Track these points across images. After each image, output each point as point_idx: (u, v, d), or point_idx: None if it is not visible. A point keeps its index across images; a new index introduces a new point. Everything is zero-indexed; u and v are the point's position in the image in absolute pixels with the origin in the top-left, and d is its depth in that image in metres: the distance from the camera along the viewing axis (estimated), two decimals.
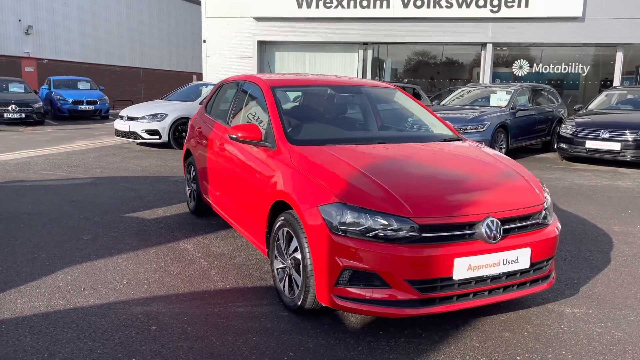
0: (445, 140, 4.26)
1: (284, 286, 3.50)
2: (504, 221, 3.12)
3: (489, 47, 15.59)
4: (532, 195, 3.38)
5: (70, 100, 19.68)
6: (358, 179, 3.18)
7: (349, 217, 2.96)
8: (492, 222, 3.05)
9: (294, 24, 15.94)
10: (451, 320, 3.37)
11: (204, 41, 16.30)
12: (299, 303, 3.28)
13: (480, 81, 15.78)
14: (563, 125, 11.03)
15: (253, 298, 3.67)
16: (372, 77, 16.49)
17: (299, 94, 4.72)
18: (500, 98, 11.70)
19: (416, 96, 13.94)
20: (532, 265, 3.21)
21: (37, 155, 10.31)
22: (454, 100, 12.56)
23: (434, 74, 19.12)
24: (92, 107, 20.05)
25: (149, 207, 6.19)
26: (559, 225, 3.53)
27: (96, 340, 3.01)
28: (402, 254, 2.87)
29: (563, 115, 12.89)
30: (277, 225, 3.50)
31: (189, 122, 6.18)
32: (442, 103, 12.44)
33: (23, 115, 16.78)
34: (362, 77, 16.12)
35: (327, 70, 16.26)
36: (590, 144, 10.18)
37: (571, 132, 10.56)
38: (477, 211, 3.08)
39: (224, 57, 16.07)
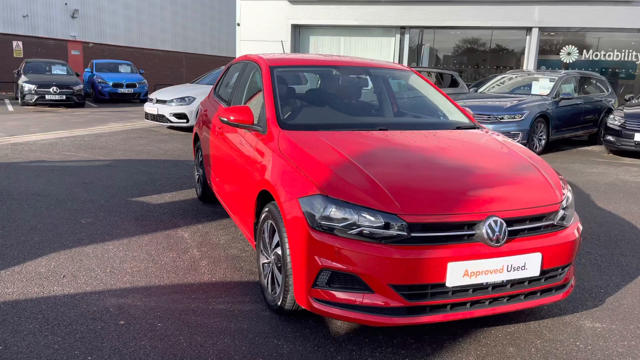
0: (458, 128, 3.85)
1: (267, 283, 3.22)
2: (510, 221, 2.73)
3: (535, 31, 14.71)
4: (548, 193, 2.95)
5: (111, 83, 19.95)
6: (345, 169, 2.84)
7: (330, 212, 2.64)
8: (495, 222, 2.66)
9: (329, 6, 15.49)
10: (449, 329, 3.01)
11: (238, 24, 16.10)
12: (279, 303, 2.99)
13: (524, 68, 14.94)
14: (611, 116, 10.25)
15: (237, 294, 3.41)
16: (409, 63, 15.92)
17: (308, 75, 4.38)
18: (542, 86, 10.97)
19: (453, 83, 13.34)
20: (543, 272, 2.80)
21: (66, 136, 10.38)
22: (493, 87, 11.90)
23: (480, 61, 18.29)
24: (131, 90, 20.28)
25: (158, 192, 6.03)
26: (581, 227, 3.09)
27: (57, 334, 2.82)
28: (386, 255, 2.52)
29: (613, 106, 12.01)
30: (262, 217, 3.21)
31: (199, 105, 5.96)
32: (480, 90, 11.81)
33: (64, 97, 17.09)
34: (399, 63, 15.60)
35: (362, 56, 15.77)
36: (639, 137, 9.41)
37: (619, 124, 9.80)
38: (479, 209, 2.69)
39: (258, 40, 15.82)
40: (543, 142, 10.08)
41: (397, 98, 4.41)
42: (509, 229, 2.71)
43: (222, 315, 3.10)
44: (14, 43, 23.54)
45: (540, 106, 10.05)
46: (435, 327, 3.01)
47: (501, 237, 2.65)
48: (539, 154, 9.90)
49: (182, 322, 3.00)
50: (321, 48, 16.14)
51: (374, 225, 2.57)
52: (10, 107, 16.48)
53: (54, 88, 16.98)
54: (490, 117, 9.74)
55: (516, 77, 12.12)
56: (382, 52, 15.83)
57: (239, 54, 16.39)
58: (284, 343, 2.82)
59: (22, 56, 23.22)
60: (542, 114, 9.96)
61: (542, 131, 10.05)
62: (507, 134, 9.56)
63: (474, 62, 18.10)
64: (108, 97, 19.90)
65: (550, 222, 2.87)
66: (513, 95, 10.81)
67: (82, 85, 17.91)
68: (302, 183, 2.82)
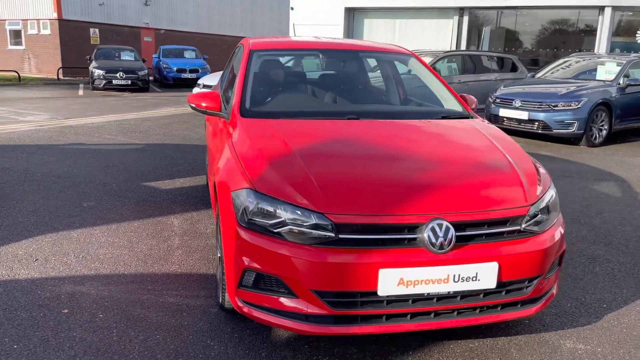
0: (445, 117, 3.48)
1: (218, 279, 3.07)
2: (462, 225, 2.39)
3: (608, 11, 13.43)
4: (516, 194, 2.57)
5: (175, 69, 20.55)
6: (283, 163, 2.62)
7: (257, 208, 2.43)
8: (439, 225, 2.34)
9: None
10: (402, 340, 2.72)
11: (292, 9, 15.99)
12: (220, 301, 2.84)
13: (596, 51, 13.73)
14: None
15: (195, 287, 3.29)
16: (468, 46, 15.10)
17: (299, 59, 4.14)
18: (608, 71, 9.99)
19: (513, 67, 12.50)
20: (501, 285, 2.45)
21: (115, 119, 10.76)
22: (554, 72, 11.00)
23: (559, 44, 17.06)
24: (194, 76, 20.76)
25: (172, 177, 6.05)
26: (561, 231, 2.68)
27: None
28: (307, 258, 2.29)
29: None
30: (217, 211, 3.06)
31: None
32: (539, 76, 10.96)
33: (129, 82, 17.80)
34: (457, 47, 14.83)
35: (418, 39, 15.16)
36: None
37: None
38: (422, 210, 2.38)
39: (311, 24, 15.63)
40: (604, 132, 9.20)
41: (387, 83, 4.08)
42: (460, 233, 2.38)
43: (168, 310, 2.99)
44: (91, 30, 24.81)
45: (603, 93, 9.16)
46: (385, 338, 2.74)
47: (446, 242, 2.33)
48: (598, 145, 9.05)
49: (124, 314, 2.93)
50: (375, 32, 15.68)
51: (302, 224, 2.33)
52: (81, 92, 17.41)
53: (121, 73, 17.74)
54: (542, 105, 9.01)
55: (581, 60, 11.13)
56: (439, 35, 15.12)
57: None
58: (216, 344, 2.66)
59: (98, 43, 24.44)
60: (604, 101, 9.06)
61: (602, 121, 9.16)
62: (561, 123, 8.83)
63: (551, 45, 16.91)
64: (172, 82, 20.51)
65: (516, 228, 2.50)
66: (573, 81, 9.93)
67: (147, 71, 18.56)
68: (237, 176, 2.63)
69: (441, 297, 2.41)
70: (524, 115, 9.22)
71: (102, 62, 18.44)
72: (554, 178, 6.48)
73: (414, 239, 2.34)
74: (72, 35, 23.90)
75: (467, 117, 3.55)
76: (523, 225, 2.50)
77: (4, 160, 6.67)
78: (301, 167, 2.54)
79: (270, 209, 2.39)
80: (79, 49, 23.72)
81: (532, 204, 2.55)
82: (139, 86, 17.98)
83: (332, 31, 15.12)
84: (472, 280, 2.38)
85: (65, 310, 2.95)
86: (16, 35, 25.20)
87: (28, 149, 7.45)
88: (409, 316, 2.42)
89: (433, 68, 10.38)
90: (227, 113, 3.36)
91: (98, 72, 17.70)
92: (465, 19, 14.90)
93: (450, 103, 3.73)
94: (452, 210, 2.41)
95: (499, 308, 2.54)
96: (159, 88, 20.07)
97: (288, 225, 2.35)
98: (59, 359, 2.50)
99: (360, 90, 3.91)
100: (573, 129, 8.81)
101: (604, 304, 3.23)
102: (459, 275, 2.36)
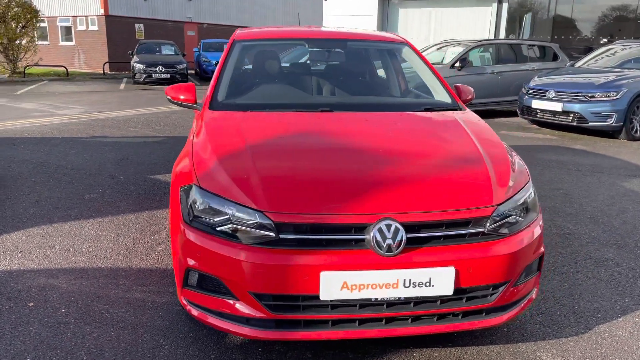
0: (428, 109, 3.27)
1: None
2: (415, 226, 2.21)
3: None
4: (482, 194, 2.35)
5: (214, 62, 20.74)
6: (233, 158, 2.50)
7: (200, 205, 2.32)
8: (387, 226, 2.16)
9: None
10: (362, 346, 2.56)
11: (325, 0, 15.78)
12: (178, 300, 2.76)
13: None
14: None
15: (165, 284, 3.23)
16: (507, 35, 14.47)
17: (283, 49, 4.00)
18: None
19: (555, 57, 11.88)
20: (459, 292, 2.25)
21: (145, 113, 10.95)
22: (597, 60, 10.36)
23: (615, 31, 16.16)
24: None
25: None
26: (537, 235, 2.44)
27: None
28: (244, 258, 2.16)
29: None
30: None
31: None
32: (579, 64, 10.35)
33: (168, 76, 18.16)
34: (495, 36, 14.23)
35: (455, 28, 14.66)
36: None
37: None
38: (370, 210, 2.20)
39: (345, 15, 15.37)
40: None
41: (373, 74, 3.87)
42: (413, 235, 2.19)
43: (131, 306, 2.95)
44: (137, 26, 25.44)
45: None
46: (345, 343, 2.58)
47: (394, 245, 2.15)
48: (638, 139, 8.46)
49: (86, 309, 2.90)
50: (411, 22, 15.27)
51: (243, 223, 2.21)
52: (122, 86, 17.88)
53: (160, 67, 18.12)
54: (577, 96, 8.51)
55: (627, 48, 10.42)
56: (477, 24, 14.55)
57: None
58: (168, 344, 2.59)
59: (143, 38, 25.04)
60: None
61: None
62: (598, 115, 8.31)
63: (599, 32, 16.02)
64: (211, 75, 20.72)
65: (479, 230, 2.28)
66: (613, 70, 9.31)
67: (185, 65, 18.87)
68: (187, 172, 2.54)
69: (392, 303, 2.23)
70: (558, 106, 8.74)
71: (142, 56, 18.87)
72: (583, 173, 6.08)
73: (362, 240, 2.17)
74: (118, 30, 24.58)
75: (455, 109, 3.32)
76: (488, 227, 2.28)
77: (27, 152, 6.88)
78: (249, 164, 2.42)
79: (213, 206, 2.28)
80: (125, 44, 24.35)
81: (499, 205, 2.33)
82: (177, 80, 18.27)
83: (365, 22, 14.82)
84: (426, 286, 2.20)
85: (31, 304, 2.95)
86: (67, 31, 26.17)
87: (53, 141, 7.65)
88: (357, 322, 2.25)
89: (464, 58, 10.04)
90: (201, 105, 3.28)
91: (139, 67, 18.14)
92: (505, 6, 14.27)
93: (440, 94, 3.50)
94: (404, 210, 2.22)
95: (459, 316, 2.33)
96: (198, 81, 20.33)
97: (229, 224, 2.23)
98: (7, 353, 2.48)
99: (343, 80, 3.73)
100: (611, 122, 8.26)
101: (599, 313, 2.95)
102: (410, 280, 2.18)
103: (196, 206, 2.33)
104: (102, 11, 24.09)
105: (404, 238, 2.16)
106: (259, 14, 31.44)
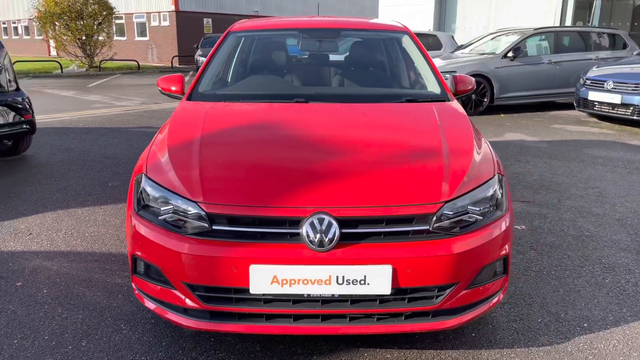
0: (410, 100, 3.12)
1: None
2: (352, 222, 2.12)
3: None
4: (429, 189, 2.21)
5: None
6: (181, 149, 2.51)
7: (145, 194, 2.36)
8: (320, 220, 2.08)
9: None
10: (312, 343, 2.51)
11: None
12: None
13: None
14: None
15: None
16: (574, 22, 13.56)
17: (278, 40, 3.94)
18: None
19: (624, 45, 11.01)
20: (398, 291, 2.14)
21: None
22: None
23: None
24: None
25: None
26: (497, 236, 2.26)
27: None
28: (177, 248, 2.16)
29: None
30: None
31: None
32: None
33: None
34: (560, 24, 13.37)
35: (518, 17, 13.90)
36: None
37: None
38: (305, 203, 2.14)
39: (401, 5, 15.02)
40: None
41: (365, 64, 3.72)
42: (350, 231, 2.11)
43: (108, 290, 3.05)
44: (205, 20, 26.26)
45: None
46: (300, 339, 2.53)
47: (326, 240, 2.07)
48: None
49: (66, 291, 3.03)
50: (469, 11, 14.66)
51: (180, 213, 2.21)
52: (186, 78, 18.51)
53: None
54: (638, 87, 7.83)
55: None
56: (539, 10, 13.72)
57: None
58: (127, 329, 2.66)
59: (211, 32, 25.81)
60: None
61: None
62: None
63: None
64: None
65: (424, 228, 2.15)
66: None
67: None
68: (142, 162, 2.58)
69: (327, 301, 2.16)
70: (616, 98, 8.11)
71: (206, 50, 19.43)
72: (629, 172, 5.62)
73: (297, 234, 2.11)
74: (187, 25, 25.50)
75: (443, 100, 3.15)
76: (434, 225, 2.15)
77: (74, 141, 7.30)
78: (194, 155, 2.42)
79: (156, 196, 2.31)
80: (194, 39, 25.20)
81: (447, 201, 2.18)
82: None
83: (422, 12, 14.42)
84: (360, 283, 2.10)
85: (19, 283, 3.12)
86: (142, 27, 27.47)
87: (100, 131, 8.07)
88: (292, 318, 2.20)
89: (517, 47, 9.54)
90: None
91: (201, 60, 18.72)
92: None
93: (431, 85, 3.33)
94: (340, 204, 2.13)
95: (402, 317, 2.22)
96: None
97: (170, 214, 2.24)
98: None
99: (330, 71, 3.63)
100: None
101: (586, 322, 2.71)
102: (344, 277, 2.09)
103: (143, 196, 2.37)
104: (172, 7, 25.06)
105: (337, 233, 2.08)
106: (328, 5, 31.45)
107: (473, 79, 3.52)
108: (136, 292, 2.46)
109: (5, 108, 5.83)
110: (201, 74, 3.35)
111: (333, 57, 3.85)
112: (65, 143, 7.16)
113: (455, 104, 3.08)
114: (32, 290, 3.04)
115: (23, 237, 3.83)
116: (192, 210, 2.18)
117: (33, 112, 6.22)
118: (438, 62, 10.07)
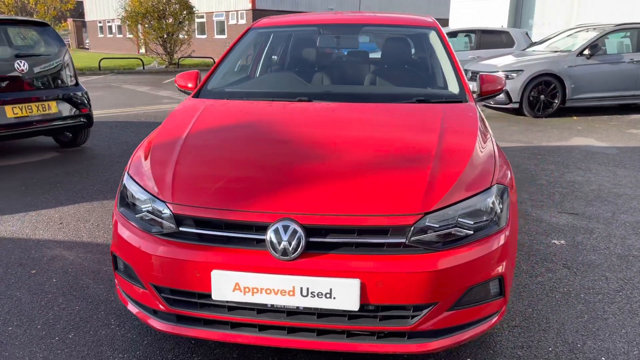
0: (421, 101, 2.89)
1: None
2: (321, 230, 1.97)
3: None
4: (408, 198, 2.01)
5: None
6: (164, 147, 2.47)
7: (126, 191, 2.35)
8: (284, 227, 1.96)
9: None
10: (290, 356, 2.39)
11: None
12: None
13: None
14: None
15: None
16: None
17: (297, 36, 3.82)
18: None
19: None
20: (367, 308, 1.97)
21: None
22: None
23: None
24: None
25: None
26: (485, 251, 2.03)
27: None
28: (143, 248, 2.13)
29: None
30: None
31: None
32: None
33: None
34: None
35: (604, 12, 12.84)
36: None
37: None
38: (272, 208, 2.02)
39: (473, 0, 14.35)
40: None
41: (384, 61, 3.50)
42: (318, 240, 1.97)
43: (111, 284, 3.08)
44: None
45: None
46: (272, 347, 2.42)
47: (291, 248, 1.94)
48: None
49: (73, 282, 3.10)
50: (550, 6, 13.72)
51: (151, 212, 2.17)
52: None
53: None
54: None
55: None
56: (627, 4, 12.58)
57: (451, 15, 15.21)
58: (115, 324, 2.67)
59: None
60: None
61: None
62: None
63: None
64: None
65: (400, 240, 1.97)
66: None
67: None
68: (131, 158, 2.57)
69: (293, 312, 2.03)
70: None
71: None
72: None
73: (263, 240, 2.00)
74: None
75: (459, 101, 2.90)
76: (410, 238, 1.96)
77: (131, 134, 7.60)
78: (174, 153, 2.37)
79: (133, 193, 2.28)
80: None
81: (428, 213, 1.98)
82: None
83: (496, 7, 13.72)
84: (326, 297, 1.95)
85: (33, 271, 3.24)
86: (221, 25, 28.35)
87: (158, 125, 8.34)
88: (257, 328, 2.09)
89: (595, 45, 8.81)
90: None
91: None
92: None
93: (451, 85, 3.08)
94: (308, 210, 1.99)
95: (374, 337, 2.04)
96: None
97: (142, 212, 2.21)
98: None
99: (345, 69, 3.45)
100: None
101: (604, 356, 2.38)
102: (308, 289, 1.95)
103: (123, 192, 2.35)
104: (249, 5, 25.64)
105: (303, 242, 1.94)
106: (400, 3, 30.91)
107: (503, 79, 3.22)
108: (118, 288, 2.45)
109: (65, 101, 6.15)
110: (213, 70, 3.31)
111: (354, 55, 3.67)
112: (123, 136, 7.46)
113: (470, 106, 2.82)
114: (42, 279, 3.14)
115: (54, 226, 4.00)
116: (163, 210, 2.13)
117: (90, 106, 6.51)
118: (508, 60, 9.52)
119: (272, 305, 2.01)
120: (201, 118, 2.72)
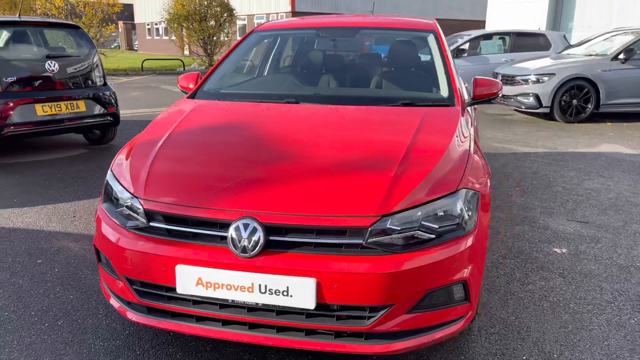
0: (407, 104, 2.88)
1: None
2: (280, 229, 2.02)
3: None
4: (367, 200, 2.03)
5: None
6: (145, 145, 2.58)
7: (108, 186, 2.46)
8: (245, 225, 2.01)
9: None
10: (268, 353, 2.44)
11: None
12: None
13: None
14: None
15: None
16: None
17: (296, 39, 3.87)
18: None
19: None
20: (323, 307, 2.00)
21: None
22: None
23: None
24: None
25: None
26: (446, 255, 2.02)
27: None
28: (116, 241, 2.23)
29: None
30: None
31: None
32: None
33: None
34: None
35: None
36: None
37: None
38: (234, 206, 2.08)
39: (511, 2, 14.01)
40: None
41: (378, 64, 3.50)
42: (277, 238, 2.02)
43: None
44: None
45: None
46: (259, 348, 2.47)
47: (250, 245, 2.00)
48: None
49: (73, 272, 3.25)
50: (590, 8, 13.26)
51: (126, 207, 2.28)
52: None
53: None
54: None
55: None
56: None
57: (489, 16, 14.89)
58: (103, 313, 2.78)
59: None
60: None
61: None
62: None
63: None
64: None
65: (357, 242, 1.99)
66: None
67: None
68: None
69: (253, 309, 2.08)
70: None
71: None
72: None
73: (225, 237, 2.07)
74: None
75: (447, 105, 2.89)
76: (368, 240, 1.98)
77: None
78: (153, 152, 2.47)
79: (113, 189, 2.39)
80: None
81: (386, 215, 1.99)
82: None
83: (535, 8, 13.37)
84: (283, 295, 2.00)
85: (39, 261, 3.42)
86: None
87: None
88: (220, 322, 2.15)
89: (630, 49, 8.50)
90: None
91: None
92: None
93: (442, 88, 3.06)
94: (269, 209, 2.04)
95: (332, 336, 2.07)
96: None
97: (121, 207, 2.32)
98: None
99: (338, 72, 3.46)
100: None
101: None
102: (266, 286, 2.00)
103: (106, 188, 2.47)
104: (289, 8, 25.91)
105: (262, 240, 2.00)
106: (446, 4, 30.52)
107: (500, 83, 3.17)
108: (102, 282, 2.55)
109: (93, 101, 6.42)
110: (211, 72, 3.40)
111: (349, 58, 3.70)
112: None
113: (454, 110, 2.80)
114: (46, 269, 3.31)
115: (67, 219, 4.19)
116: (136, 205, 2.22)
117: (117, 105, 6.76)
118: (541, 63, 9.28)
119: (233, 301, 2.07)
120: (187, 118, 2.82)
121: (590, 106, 8.70)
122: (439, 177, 2.17)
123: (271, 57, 3.77)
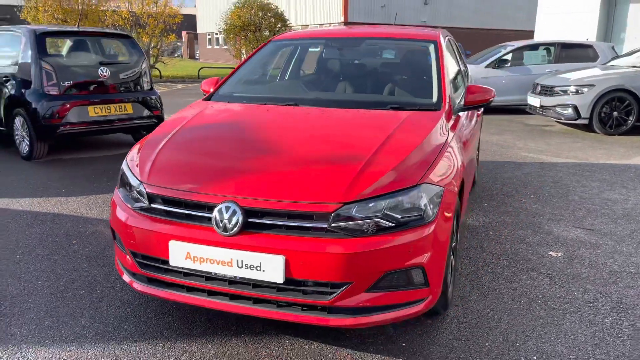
0: (395, 108, 3.12)
1: None
2: (257, 212, 2.32)
3: None
4: (333, 189, 2.30)
5: None
6: (156, 138, 2.97)
7: (122, 173, 2.85)
8: (227, 208, 2.32)
9: None
10: (246, 320, 2.74)
11: None
12: None
13: None
14: None
15: None
16: None
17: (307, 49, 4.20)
18: None
19: None
20: (291, 282, 2.28)
21: None
22: None
23: None
24: None
25: None
26: (403, 241, 2.26)
27: (29, 235, 3.92)
28: (123, 219, 2.60)
29: None
30: None
31: None
32: None
33: None
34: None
35: None
36: None
37: None
38: (219, 191, 2.40)
39: (560, 13, 13.77)
40: None
41: (378, 72, 3.76)
42: (255, 220, 2.32)
43: None
44: None
45: None
46: (233, 316, 2.78)
47: (230, 225, 2.31)
48: None
49: (100, 252, 3.67)
50: None
51: (133, 191, 2.65)
52: None
53: None
54: None
55: None
56: None
57: (537, 28, 14.65)
58: (100, 288, 3.16)
59: None
60: None
61: None
62: None
63: None
64: None
65: (322, 225, 2.26)
66: None
67: None
68: None
69: (233, 282, 2.39)
70: None
71: None
72: None
73: (210, 218, 2.39)
74: None
75: (434, 110, 3.11)
76: (331, 224, 2.25)
77: None
78: (159, 144, 2.83)
79: (125, 175, 2.78)
80: None
81: (347, 203, 2.25)
82: None
83: (585, 20, 13.09)
84: (257, 269, 2.29)
85: (74, 242, 3.87)
86: None
87: None
88: (206, 293, 2.47)
89: None
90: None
91: None
92: None
93: (433, 94, 3.28)
94: (248, 195, 2.35)
95: (300, 308, 2.34)
96: None
97: (131, 191, 2.69)
98: (23, 262, 3.40)
99: (338, 78, 3.74)
100: None
101: (536, 355, 2.47)
102: (242, 261, 2.31)
103: (121, 175, 2.85)
104: (342, 18, 26.36)
105: (241, 221, 2.30)
106: (497, 14, 30.08)
107: (493, 91, 3.35)
108: (115, 261, 2.93)
109: (140, 104, 6.98)
110: (228, 77, 3.76)
111: (353, 66, 3.98)
112: None
113: (437, 114, 3.01)
114: (78, 248, 3.75)
115: (104, 208, 4.66)
116: (142, 189, 2.58)
117: (162, 109, 7.30)
118: (583, 74, 9.17)
119: (216, 274, 2.38)
120: (196, 117, 3.18)
121: (632, 118, 8.52)
122: (403, 171, 2.40)
123: (284, 64, 4.11)
